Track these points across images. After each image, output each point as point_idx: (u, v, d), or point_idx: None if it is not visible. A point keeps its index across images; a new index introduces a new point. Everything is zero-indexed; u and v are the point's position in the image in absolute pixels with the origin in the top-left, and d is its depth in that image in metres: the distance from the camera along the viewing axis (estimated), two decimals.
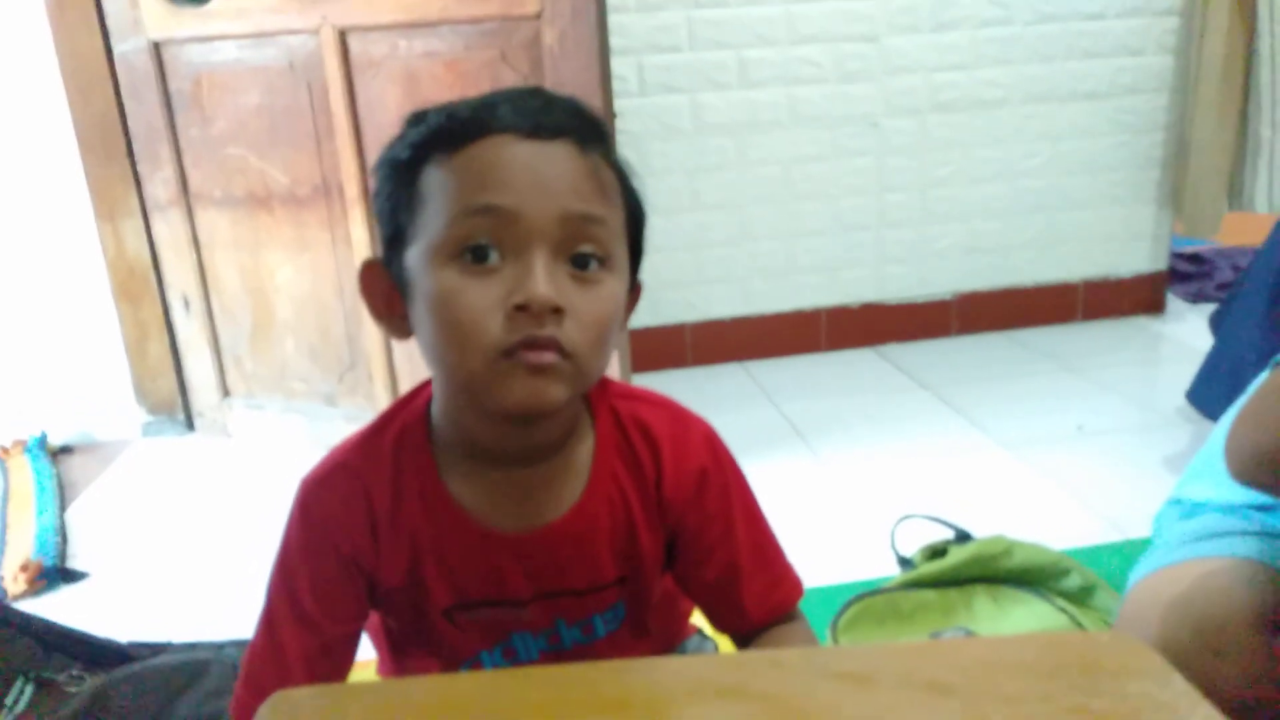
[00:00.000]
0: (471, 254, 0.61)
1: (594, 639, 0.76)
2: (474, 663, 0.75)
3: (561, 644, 0.75)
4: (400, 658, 0.79)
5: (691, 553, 0.75)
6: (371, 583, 0.72)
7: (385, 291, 0.68)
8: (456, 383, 0.65)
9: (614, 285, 0.64)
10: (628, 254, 0.68)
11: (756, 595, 0.75)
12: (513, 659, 0.75)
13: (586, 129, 0.64)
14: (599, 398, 0.72)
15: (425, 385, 0.73)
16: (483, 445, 0.68)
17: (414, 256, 0.63)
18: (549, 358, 0.60)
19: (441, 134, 0.63)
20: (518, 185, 0.60)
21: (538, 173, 0.61)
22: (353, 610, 0.72)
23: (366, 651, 0.84)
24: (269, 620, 0.71)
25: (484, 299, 0.60)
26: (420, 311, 0.63)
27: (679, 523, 0.73)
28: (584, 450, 0.71)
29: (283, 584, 0.71)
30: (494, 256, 0.60)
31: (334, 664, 0.72)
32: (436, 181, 0.63)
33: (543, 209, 0.60)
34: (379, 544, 0.70)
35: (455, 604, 0.72)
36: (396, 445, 0.71)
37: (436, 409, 0.70)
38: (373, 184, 0.69)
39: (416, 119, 0.67)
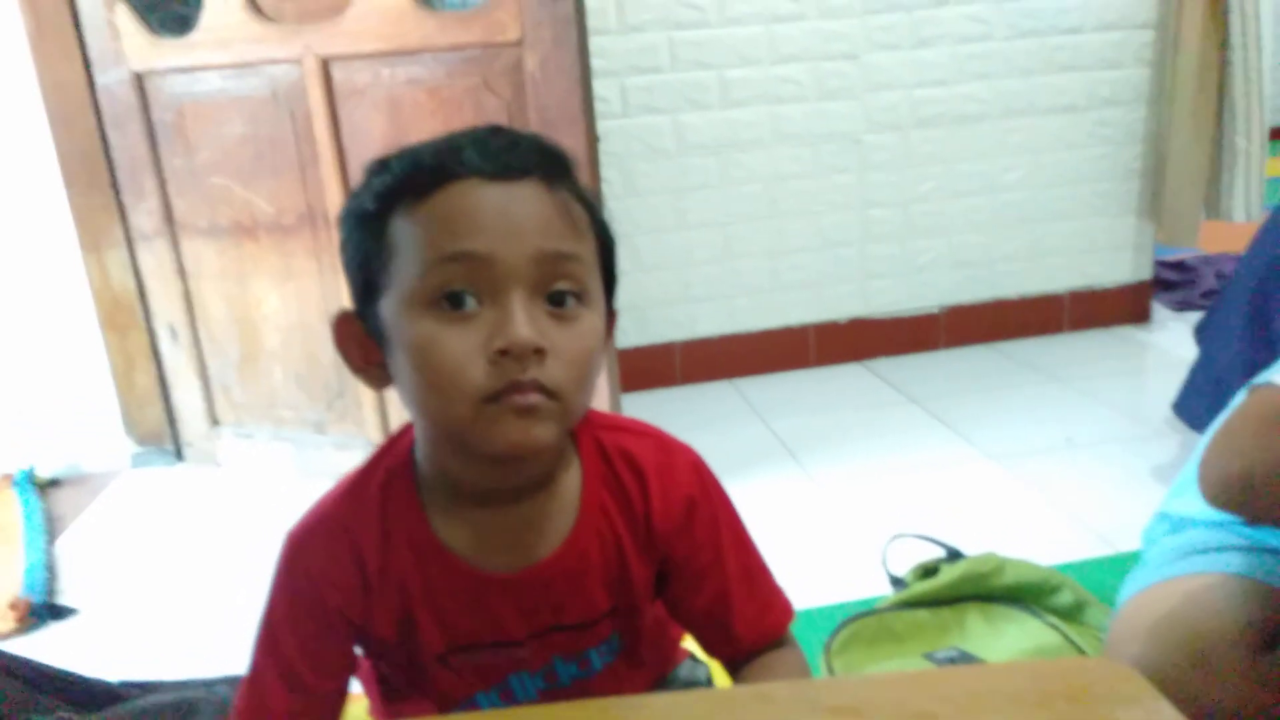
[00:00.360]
0: (448, 301, 0.60)
1: (591, 673, 0.75)
2: (470, 704, 0.74)
3: (559, 681, 0.75)
4: (394, 702, 0.79)
5: (682, 581, 0.74)
6: (362, 634, 0.72)
7: (360, 342, 0.67)
8: (442, 430, 0.65)
9: (592, 319, 0.64)
10: (602, 285, 0.67)
11: (747, 621, 0.74)
12: (510, 700, 0.74)
13: (552, 165, 0.64)
14: (582, 429, 0.72)
15: (409, 427, 0.72)
16: (469, 486, 0.68)
17: (389, 307, 0.63)
18: (534, 398, 0.60)
19: (407, 183, 0.62)
20: (489, 229, 0.60)
21: (508, 214, 0.60)
22: (340, 665, 0.72)
23: (359, 685, 0.83)
24: (254, 679, 0.70)
25: (464, 345, 0.59)
26: (399, 361, 0.63)
27: (669, 552, 0.73)
28: (570, 484, 0.70)
29: (268, 642, 0.70)
30: (470, 302, 0.60)
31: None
32: (406, 231, 0.62)
33: (516, 251, 0.60)
34: (369, 596, 0.69)
35: (449, 649, 0.71)
36: (383, 492, 0.69)
37: (420, 453, 0.70)
38: (338, 235, 0.68)
39: (379, 167, 0.65)
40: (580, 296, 0.63)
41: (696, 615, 0.76)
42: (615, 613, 0.73)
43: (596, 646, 0.74)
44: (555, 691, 0.74)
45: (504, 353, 0.59)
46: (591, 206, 0.67)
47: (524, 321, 0.59)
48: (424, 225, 0.61)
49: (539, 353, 0.59)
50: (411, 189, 0.62)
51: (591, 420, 0.72)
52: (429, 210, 0.61)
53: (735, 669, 0.77)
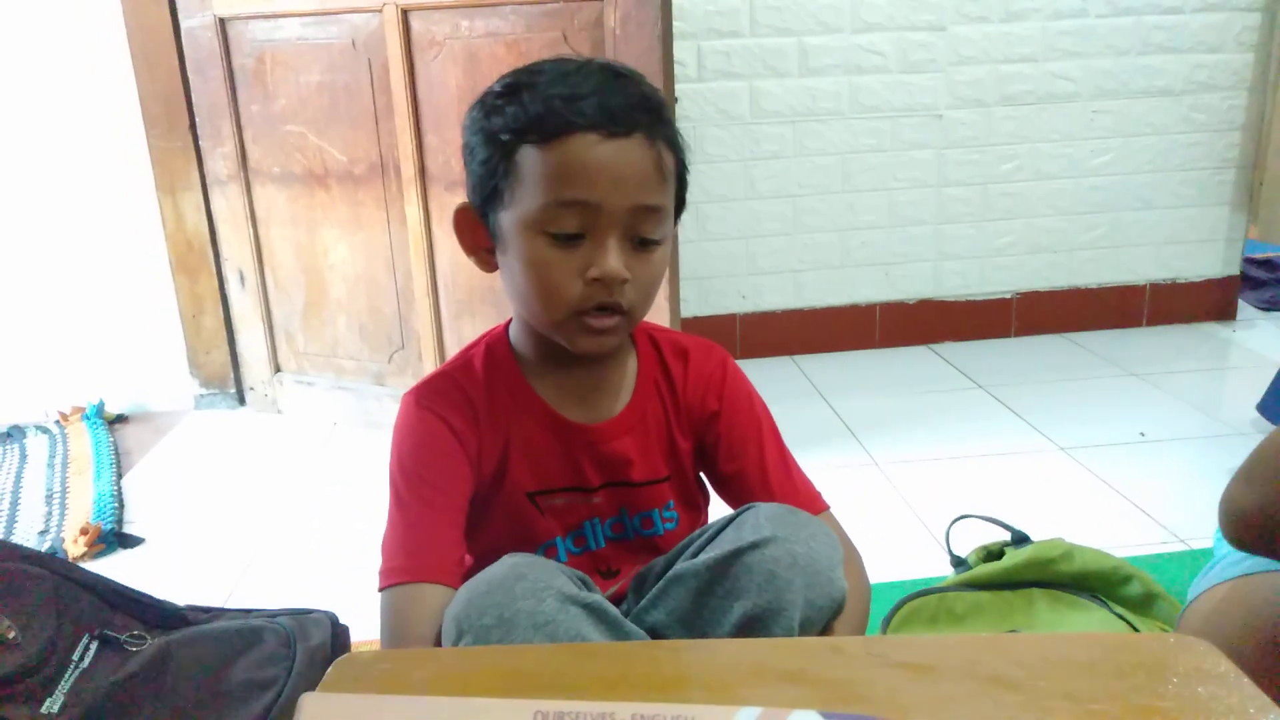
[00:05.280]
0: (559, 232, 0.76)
1: (654, 534, 0.88)
2: (549, 546, 0.85)
3: (625, 533, 0.87)
4: (485, 552, 0.84)
5: (725, 452, 0.87)
6: (474, 470, 0.83)
7: (474, 231, 0.82)
8: (539, 324, 0.81)
9: (664, 251, 0.79)
10: (674, 211, 0.81)
11: (786, 498, 0.85)
12: (583, 547, 0.86)
13: (654, 120, 0.77)
14: (639, 329, 0.89)
15: (496, 326, 0.89)
16: (555, 353, 0.83)
17: (508, 219, 0.78)
18: (610, 321, 0.77)
19: (538, 124, 0.75)
20: (601, 182, 0.74)
21: (617, 171, 0.74)
22: (465, 480, 0.82)
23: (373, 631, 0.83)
24: (399, 513, 0.80)
25: (567, 268, 0.76)
26: (512, 263, 0.79)
27: (703, 427, 0.88)
28: (630, 364, 0.88)
29: (407, 475, 0.81)
30: (575, 236, 0.76)
31: (459, 537, 0.81)
32: (532, 167, 0.75)
33: (618, 202, 0.74)
34: (480, 430, 0.83)
35: (538, 489, 0.84)
36: (486, 357, 0.86)
37: (517, 330, 0.86)
38: (465, 136, 0.81)
39: (511, 93, 0.77)
40: (659, 238, 0.78)
41: (741, 487, 0.87)
42: (672, 480, 0.88)
43: (660, 509, 0.87)
44: (623, 542, 0.87)
45: (598, 280, 0.75)
46: (679, 149, 0.80)
47: (616, 258, 0.75)
48: (548, 168, 0.75)
49: (622, 281, 0.76)
50: (541, 130, 0.75)
51: (649, 325, 0.89)
52: (553, 156, 0.74)
53: None
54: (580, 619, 0.67)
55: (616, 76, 0.77)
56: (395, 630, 0.75)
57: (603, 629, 0.68)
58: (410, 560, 0.77)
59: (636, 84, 0.78)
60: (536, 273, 0.76)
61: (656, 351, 0.88)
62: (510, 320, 0.88)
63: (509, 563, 0.72)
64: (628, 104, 0.75)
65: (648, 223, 0.76)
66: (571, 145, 0.74)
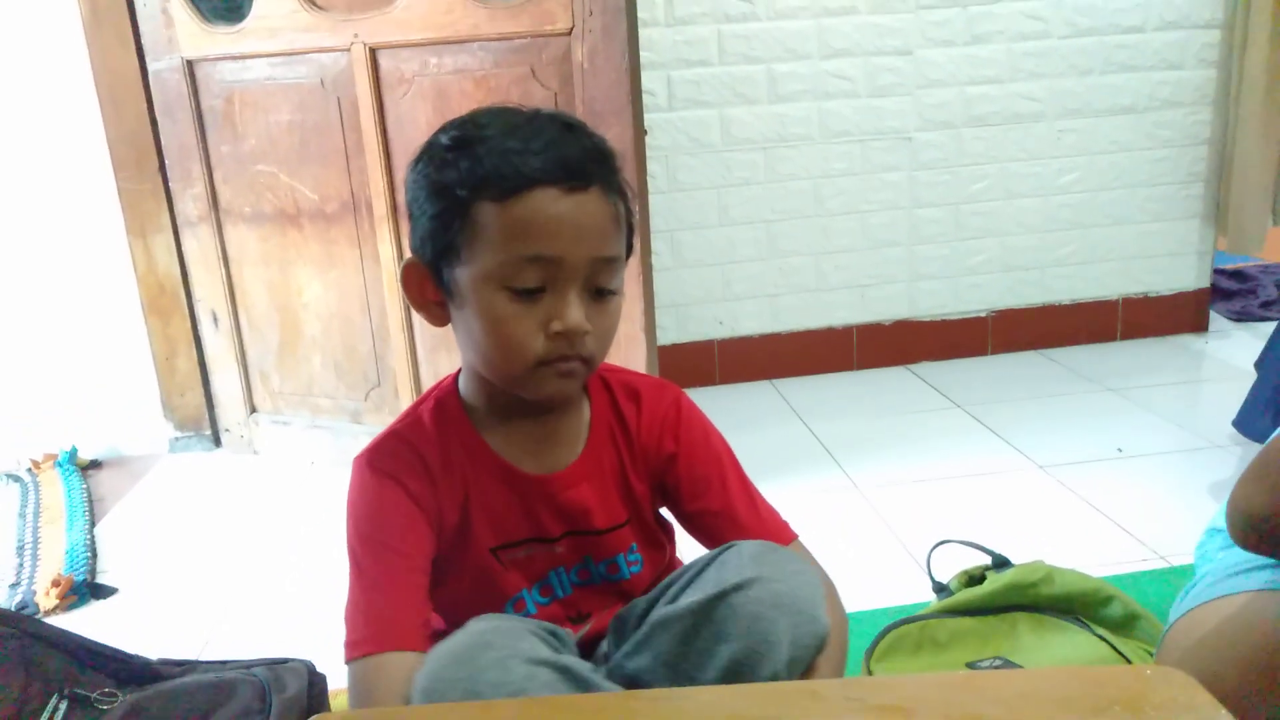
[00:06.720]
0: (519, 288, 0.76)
1: (620, 578, 0.87)
2: (517, 600, 0.85)
3: (591, 578, 0.87)
4: (452, 609, 0.85)
5: (688, 490, 0.87)
6: (435, 528, 0.82)
7: (424, 285, 0.81)
8: (499, 378, 0.80)
9: (619, 300, 0.80)
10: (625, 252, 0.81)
11: (754, 533, 0.84)
12: (551, 596, 0.86)
13: (608, 173, 0.77)
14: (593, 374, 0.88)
15: (444, 378, 0.88)
16: (506, 404, 0.83)
17: (465, 275, 0.77)
18: (574, 366, 0.77)
19: (494, 180, 0.74)
20: (560, 237, 0.74)
21: (576, 224, 0.74)
22: (425, 541, 0.81)
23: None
24: (360, 581, 0.79)
25: (528, 323, 0.75)
26: (470, 318, 0.78)
27: (661, 467, 0.87)
28: (583, 411, 0.87)
29: (365, 541, 0.79)
30: (536, 290, 0.75)
31: (423, 599, 0.80)
32: (490, 223, 0.74)
33: (578, 255, 0.75)
34: (436, 488, 0.82)
35: (499, 544, 0.84)
36: (436, 412, 0.84)
37: (467, 383, 0.85)
38: (411, 190, 0.80)
39: (460, 146, 0.76)
40: (615, 287, 0.79)
41: (709, 524, 0.87)
42: (632, 524, 0.87)
43: (624, 553, 0.87)
44: (590, 587, 0.87)
45: (560, 333, 0.75)
46: (627, 198, 0.81)
47: (578, 311, 0.75)
48: (507, 225, 0.74)
49: (584, 334, 0.76)
50: (498, 185, 0.74)
51: (601, 365, 0.87)
52: (512, 212, 0.74)
53: None
54: (549, 682, 0.66)
55: (567, 128, 0.77)
56: (364, 705, 0.74)
57: (572, 690, 0.67)
58: (374, 630, 0.76)
59: (587, 135, 0.78)
60: (498, 328, 0.76)
61: (609, 395, 0.88)
62: (458, 372, 0.87)
63: (473, 630, 0.71)
64: (583, 156, 0.75)
65: (606, 273, 0.77)
66: (532, 200, 0.73)
